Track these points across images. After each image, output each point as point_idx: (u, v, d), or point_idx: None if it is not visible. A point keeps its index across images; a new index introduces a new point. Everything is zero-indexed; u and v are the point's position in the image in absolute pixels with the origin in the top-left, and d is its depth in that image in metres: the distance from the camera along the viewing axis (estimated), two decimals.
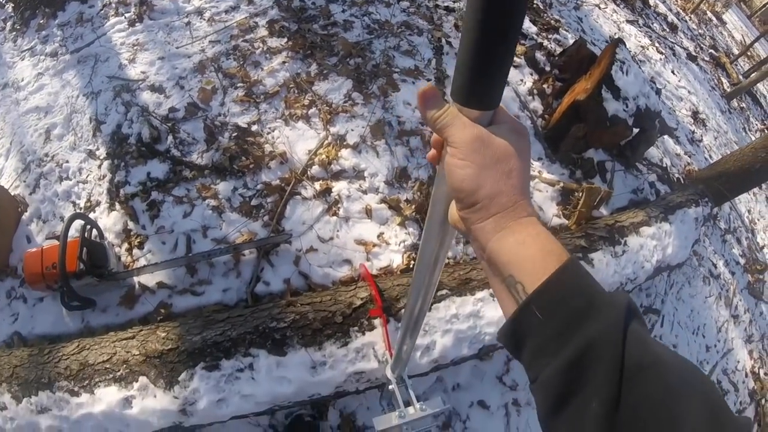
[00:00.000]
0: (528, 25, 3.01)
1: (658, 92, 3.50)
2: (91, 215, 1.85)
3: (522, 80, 2.54)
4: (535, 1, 3.36)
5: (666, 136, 3.18)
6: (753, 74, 5.75)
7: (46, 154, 2.05)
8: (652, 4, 5.56)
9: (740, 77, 5.91)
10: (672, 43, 5.01)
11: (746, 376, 2.83)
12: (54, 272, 1.52)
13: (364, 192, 1.93)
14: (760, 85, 5.68)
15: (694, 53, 5.20)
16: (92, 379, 1.44)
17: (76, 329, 1.70)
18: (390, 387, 1.45)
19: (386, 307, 1.58)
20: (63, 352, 1.51)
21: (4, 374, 1.50)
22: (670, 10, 6.05)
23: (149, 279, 1.70)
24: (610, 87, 2.10)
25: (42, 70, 2.36)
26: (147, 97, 2.15)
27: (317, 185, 1.92)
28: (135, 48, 2.36)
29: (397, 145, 2.07)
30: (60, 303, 1.60)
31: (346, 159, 1.99)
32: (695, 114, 3.97)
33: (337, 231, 1.84)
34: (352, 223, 1.87)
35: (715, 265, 3.06)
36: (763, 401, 2.84)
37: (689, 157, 3.33)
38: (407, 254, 1.82)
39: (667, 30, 5.29)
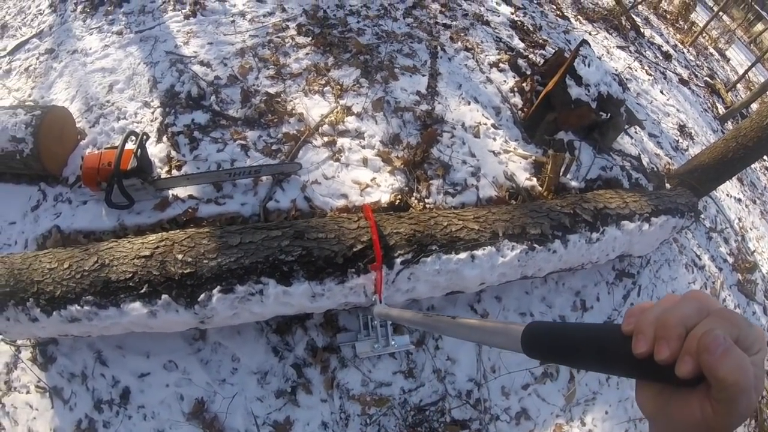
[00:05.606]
0: (516, 42, 3.58)
1: (621, 84, 3.91)
2: None
3: (505, 81, 3.06)
4: (526, 25, 3.94)
5: (647, 140, 3.59)
6: (746, 96, 5.89)
7: (108, 101, 2.51)
8: (647, 35, 5.89)
9: (734, 100, 5.99)
10: (664, 68, 5.25)
11: None
12: (108, 169, 1.89)
13: (363, 147, 2.37)
14: (754, 106, 5.54)
15: (686, 79, 5.41)
16: (117, 295, 1.52)
17: (110, 226, 2.04)
18: (374, 323, 1.87)
19: (383, 255, 1.65)
20: (84, 267, 1.55)
21: (29, 290, 1.54)
22: (667, 42, 6.39)
23: (182, 191, 2.08)
24: (573, 76, 2.55)
25: (108, 43, 2.86)
26: (197, 68, 2.65)
27: (326, 138, 2.37)
28: (189, 34, 2.91)
29: (393, 118, 2.54)
30: (103, 201, 1.95)
31: (351, 123, 2.46)
32: (682, 127, 4.27)
33: (339, 172, 2.25)
34: (351, 168, 2.29)
35: (699, 257, 3.21)
36: (760, 398, 2.88)
37: (670, 158, 3.64)
38: (394, 194, 2.22)
39: (660, 58, 5.56)
